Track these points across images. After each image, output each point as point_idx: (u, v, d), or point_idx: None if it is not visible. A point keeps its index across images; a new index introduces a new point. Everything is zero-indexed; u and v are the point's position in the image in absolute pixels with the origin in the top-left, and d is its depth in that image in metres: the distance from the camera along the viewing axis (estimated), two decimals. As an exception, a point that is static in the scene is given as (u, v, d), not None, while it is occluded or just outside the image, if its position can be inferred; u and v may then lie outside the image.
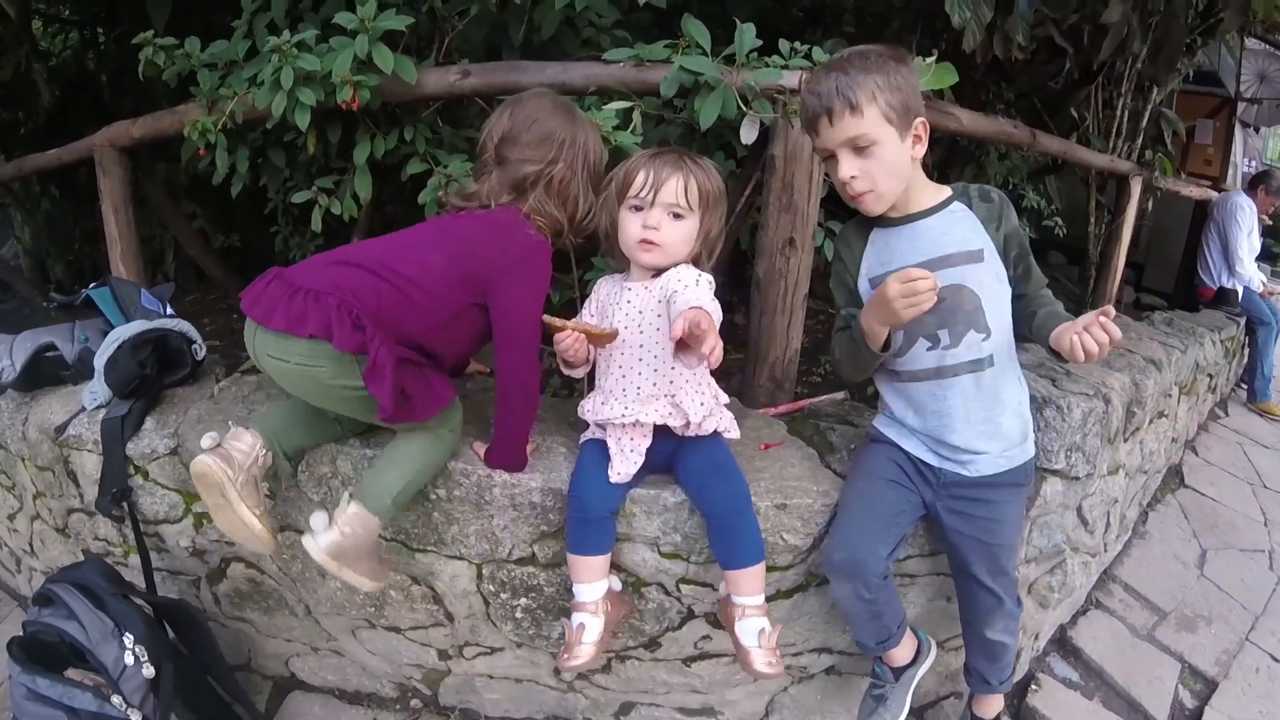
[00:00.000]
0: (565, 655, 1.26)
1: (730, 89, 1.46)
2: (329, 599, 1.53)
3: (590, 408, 1.32)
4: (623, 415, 1.25)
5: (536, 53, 1.76)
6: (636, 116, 1.52)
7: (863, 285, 1.31)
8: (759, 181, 1.59)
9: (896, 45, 1.22)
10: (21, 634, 1.39)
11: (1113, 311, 1.11)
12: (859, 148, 1.17)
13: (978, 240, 1.25)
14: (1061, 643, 1.96)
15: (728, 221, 1.47)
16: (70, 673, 1.34)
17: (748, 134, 1.49)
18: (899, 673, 1.43)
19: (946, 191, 1.29)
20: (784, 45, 1.57)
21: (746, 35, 1.52)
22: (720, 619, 1.36)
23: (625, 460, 1.28)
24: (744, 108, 1.47)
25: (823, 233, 1.68)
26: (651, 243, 1.26)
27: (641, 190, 1.25)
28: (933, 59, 1.61)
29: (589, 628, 1.26)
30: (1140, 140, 3.07)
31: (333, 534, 1.22)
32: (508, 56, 1.76)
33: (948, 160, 2.72)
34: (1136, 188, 3.07)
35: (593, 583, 1.27)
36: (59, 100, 2.95)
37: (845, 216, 1.77)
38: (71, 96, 3.01)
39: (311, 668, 1.72)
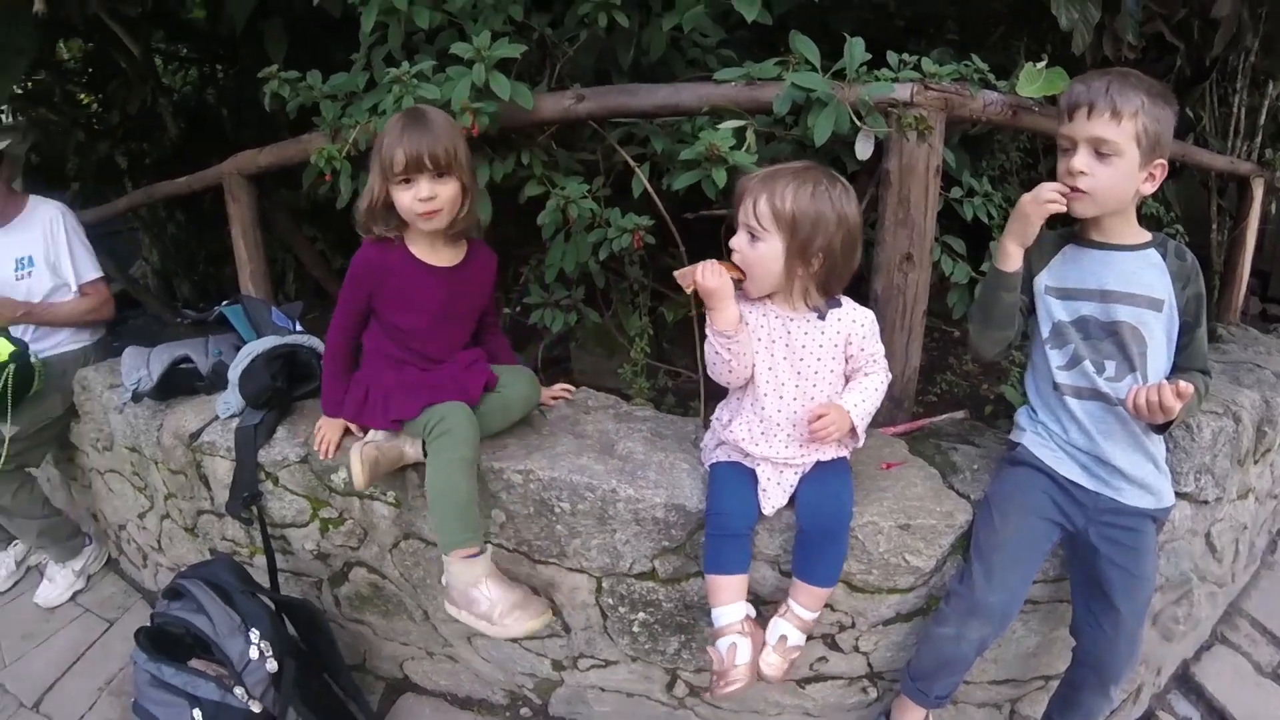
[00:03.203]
0: (720, 683, 1.22)
1: (843, 104, 1.44)
2: (448, 607, 1.57)
3: (747, 438, 1.29)
4: (799, 456, 1.28)
5: (643, 74, 1.79)
6: (750, 135, 1.52)
7: (1037, 286, 1.34)
8: (874, 197, 1.57)
9: (1168, 87, 1.24)
10: (149, 624, 1.46)
11: (1187, 389, 1.15)
12: (1100, 152, 1.19)
13: (1162, 291, 1.27)
14: (1184, 679, 1.84)
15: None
16: (194, 663, 1.40)
17: (863, 149, 1.47)
18: None
19: (1148, 236, 1.31)
20: (892, 57, 1.55)
21: (856, 49, 1.51)
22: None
23: (782, 494, 1.29)
24: (857, 123, 1.46)
25: (939, 247, 1.64)
26: (734, 266, 1.22)
27: (737, 209, 1.24)
28: (1043, 64, 1.57)
29: (740, 648, 1.22)
30: (1259, 139, 2.88)
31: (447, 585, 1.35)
32: (616, 80, 1.79)
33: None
34: (1259, 190, 2.86)
35: (732, 604, 1.25)
36: (183, 132, 3.17)
37: (961, 233, 1.73)
38: (194, 128, 3.22)
39: (425, 671, 1.77)
